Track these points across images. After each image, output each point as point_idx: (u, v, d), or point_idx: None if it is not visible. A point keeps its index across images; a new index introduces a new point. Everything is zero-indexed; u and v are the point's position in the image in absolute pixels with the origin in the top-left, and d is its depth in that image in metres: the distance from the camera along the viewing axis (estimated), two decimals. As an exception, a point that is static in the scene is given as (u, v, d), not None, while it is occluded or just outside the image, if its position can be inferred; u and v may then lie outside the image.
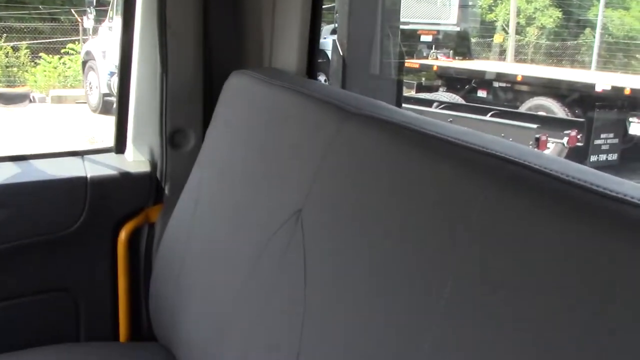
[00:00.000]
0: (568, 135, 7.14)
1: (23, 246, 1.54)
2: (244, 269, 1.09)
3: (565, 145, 7.12)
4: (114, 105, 1.87)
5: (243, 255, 1.12)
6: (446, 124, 0.93)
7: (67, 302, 1.62)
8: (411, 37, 10.18)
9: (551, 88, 8.41)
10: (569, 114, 8.06)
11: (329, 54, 3.67)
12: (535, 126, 7.29)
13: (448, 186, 0.77)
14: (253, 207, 1.16)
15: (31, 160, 1.67)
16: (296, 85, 1.26)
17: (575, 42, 15.30)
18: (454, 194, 0.76)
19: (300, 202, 0.98)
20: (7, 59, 9.62)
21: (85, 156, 1.71)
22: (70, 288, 1.62)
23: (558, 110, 8.15)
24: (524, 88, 8.78)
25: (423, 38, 10.41)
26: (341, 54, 2.68)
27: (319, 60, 1.61)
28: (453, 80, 9.44)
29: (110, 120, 1.77)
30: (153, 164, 1.67)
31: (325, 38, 6.22)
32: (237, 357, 1.05)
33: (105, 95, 8.36)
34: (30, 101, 8.69)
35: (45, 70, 9.61)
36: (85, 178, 1.59)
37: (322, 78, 3.07)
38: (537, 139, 6.94)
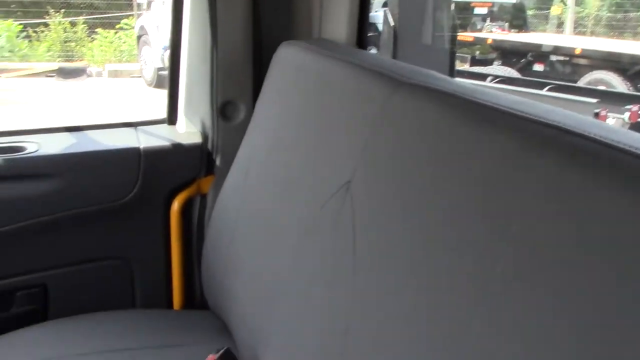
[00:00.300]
0: (629, 110, 6.89)
1: (81, 215, 1.59)
2: (294, 239, 1.10)
3: (627, 120, 6.87)
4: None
5: (293, 226, 1.12)
6: (501, 94, 0.91)
7: (124, 270, 1.67)
8: (465, 9, 9.96)
9: (612, 61, 8.11)
10: (630, 88, 7.77)
11: (380, 26, 3.63)
12: (594, 101, 7.06)
13: (502, 158, 0.75)
14: (303, 178, 1.16)
15: (87, 131, 1.71)
16: (346, 55, 1.25)
17: (639, 13, 14.69)
18: (509, 165, 0.74)
19: (349, 173, 0.98)
20: (65, 34, 9.85)
21: (139, 127, 1.74)
22: (126, 256, 1.66)
23: (619, 84, 7.87)
24: (583, 61, 8.50)
25: (477, 10, 10.16)
26: (392, 24, 2.64)
27: (370, 34, 1.59)
28: (508, 54, 9.20)
29: (164, 94, 1.79)
30: (204, 136, 1.69)
31: (376, 11, 6.14)
32: (286, 326, 1.06)
33: (159, 69, 8.49)
34: (88, 75, 8.89)
35: (101, 45, 9.82)
36: (138, 149, 1.62)
37: (372, 51, 3.03)
38: (597, 114, 6.72)
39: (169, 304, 1.71)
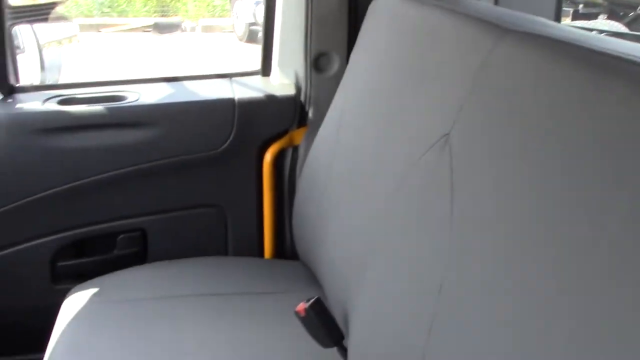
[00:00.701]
0: None
1: (177, 164, 1.63)
2: (387, 192, 1.08)
3: None
4: (259, 34, 1.89)
5: (386, 179, 1.11)
6: (614, 40, 0.84)
7: (218, 218, 1.71)
8: (569, -41, 9.38)
9: None
10: None
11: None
12: None
13: (618, 108, 0.69)
14: (398, 131, 1.13)
15: (184, 82, 1.74)
16: (447, 3, 1.20)
17: None
18: (626, 117, 0.68)
19: (448, 125, 0.94)
20: (161, -10, 10.07)
21: (233, 79, 1.76)
22: (220, 205, 1.70)
23: None
24: (700, 14, 7.86)
25: (582, -40, 9.56)
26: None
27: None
28: (615, 7, 8.64)
29: (255, 49, 1.80)
30: (297, 87, 1.69)
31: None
32: (378, 280, 1.05)
33: (251, 24, 8.56)
34: (182, 30, 9.08)
35: (195, 0, 9.98)
36: (233, 100, 1.63)
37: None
38: None
39: (260, 253, 1.75)
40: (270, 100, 1.67)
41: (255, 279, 1.52)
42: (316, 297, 1.13)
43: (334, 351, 1.13)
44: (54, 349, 1.28)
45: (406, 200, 1.01)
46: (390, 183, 1.07)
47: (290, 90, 1.69)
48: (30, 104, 1.56)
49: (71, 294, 1.48)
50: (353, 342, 1.07)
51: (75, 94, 1.64)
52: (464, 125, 0.91)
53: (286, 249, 1.76)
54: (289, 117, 1.68)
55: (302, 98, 1.69)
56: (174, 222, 1.69)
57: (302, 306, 1.12)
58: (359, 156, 1.27)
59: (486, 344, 0.72)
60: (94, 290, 1.44)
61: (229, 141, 1.64)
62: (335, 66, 1.65)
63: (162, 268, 1.57)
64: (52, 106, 1.57)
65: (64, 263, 1.64)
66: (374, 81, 1.33)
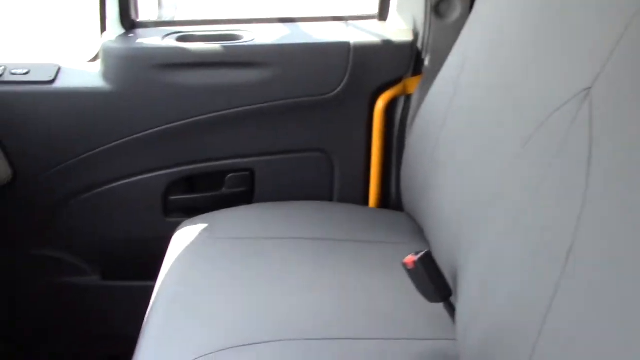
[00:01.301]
0: None
1: (289, 106, 1.62)
2: (512, 149, 1.02)
3: None
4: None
5: (511, 134, 1.04)
6: None
7: (324, 163, 1.70)
8: None
9: None
10: None
11: None
12: None
13: None
14: (528, 83, 1.06)
15: (299, 23, 1.72)
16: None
17: None
18: None
19: (590, 79, 0.86)
20: None
21: (349, 22, 1.72)
22: (327, 150, 1.69)
23: None
24: None
25: None
26: None
27: None
28: None
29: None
30: (415, 33, 1.63)
31: None
32: (494, 239, 1.00)
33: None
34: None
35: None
36: (348, 44, 1.60)
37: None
38: None
39: (364, 201, 1.73)
40: (386, 46, 1.61)
41: (360, 226, 1.51)
42: (426, 250, 1.10)
43: (439, 306, 1.11)
44: (164, 279, 1.33)
45: (534, 156, 0.94)
46: (517, 138, 1.01)
47: (408, 36, 1.62)
48: (150, 39, 1.59)
49: (181, 227, 1.52)
50: (463, 301, 1.04)
51: (193, 32, 1.66)
52: (611, 78, 0.83)
53: (391, 199, 1.73)
54: (404, 64, 1.63)
55: (420, 45, 1.62)
56: (282, 165, 1.69)
57: (410, 258, 1.10)
58: (481, 109, 1.20)
59: (618, 323, 0.67)
60: (203, 225, 1.48)
61: (341, 86, 1.61)
62: (457, 12, 1.57)
63: (269, 209, 1.59)
64: (171, 42, 1.59)
65: (175, 197, 1.70)
66: (501, 29, 1.25)
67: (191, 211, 1.70)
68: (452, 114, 1.33)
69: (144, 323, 1.23)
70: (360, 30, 1.66)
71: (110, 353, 1.85)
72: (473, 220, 1.09)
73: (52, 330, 1.81)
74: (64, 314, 1.79)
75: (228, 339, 1.10)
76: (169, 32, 1.63)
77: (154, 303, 1.26)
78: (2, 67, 1.60)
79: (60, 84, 1.58)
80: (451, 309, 1.10)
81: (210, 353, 1.07)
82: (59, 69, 1.61)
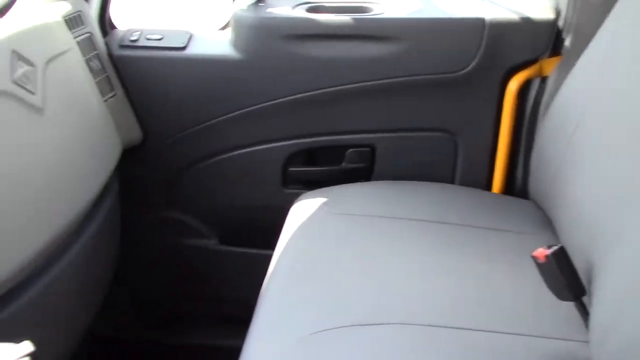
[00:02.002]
0: None
1: (415, 83, 1.57)
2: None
3: None
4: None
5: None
6: None
7: (448, 144, 1.64)
8: None
9: None
10: None
11: None
12: None
13: None
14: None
15: (431, -3, 1.66)
16: None
17: None
18: None
19: None
20: None
21: None
22: (452, 130, 1.63)
23: None
24: None
25: None
26: None
27: None
28: None
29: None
30: (557, 11, 1.52)
31: None
32: (639, 237, 0.92)
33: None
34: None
35: None
36: (483, 20, 1.52)
37: None
38: None
39: (488, 186, 1.66)
40: (524, 24, 1.52)
41: (483, 212, 1.45)
42: (560, 245, 1.03)
43: (567, 305, 1.04)
44: (283, 250, 1.33)
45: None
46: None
47: (549, 14, 1.52)
48: (280, 9, 1.59)
49: (300, 199, 1.52)
50: (601, 302, 0.96)
51: (323, 3, 1.63)
52: None
53: (516, 186, 1.65)
54: (542, 44, 1.53)
55: (561, 24, 1.52)
56: (404, 143, 1.65)
57: (542, 252, 1.03)
58: (633, 96, 1.10)
59: None
60: (322, 199, 1.47)
61: (472, 64, 1.54)
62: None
63: (388, 187, 1.56)
64: (301, 13, 1.58)
65: (294, 169, 1.70)
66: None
67: (309, 184, 1.70)
68: (595, 101, 1.23)
69: (261, 292, 1.24)
70: (497, 6, 1.58)
71: (223, 314, 1.91)
72: (616, 217, 1.01)
73: (171, 289, 1.89)
74: (183, 275, 1.86)
75: (345, 317, 1.09)
76: (299, 2, 1.62)
77: (272, 273, 1.27)
78: (138, 32, 1.66)
79: (191, 50, 1.61)
80: (583, 310, 1.02)
81: (326, 329, 1.07)
82: (191, 36, 1.65)
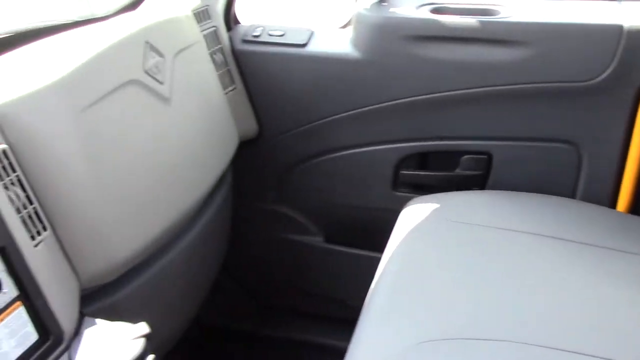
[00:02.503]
0: None
1: (540, 90, 1.50)
2: None
3: None
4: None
5: None
6: None
7: (571, 157, 1.56)
8: None
9: None
10: None
11: None
12: None
13: None
14: None
15: (564, 0, 1.57)
16: None
17: None
18: None
19: None
20: None
21: (622, 1, 1.53)
22: (576, 141, 1.54)
23: None
24: None
25: None
26: None
27: None
28: None
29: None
30: None
31: None
32: None
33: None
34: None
35: None
36: (620, 27, 1.42)
37: None
38: None
39: (612, 204, 1.56)
40: None
41: (608, 232, 1.36)
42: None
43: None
44: (392, 254, 1.31)
45: None
46: None
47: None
48: (403, 9, 1.56)
49: (410, 204, 1.49)
50: None
51: (447, 4, 1.59)
52: None
53: (644, 207, 1.54)
54: None
55: None
56: (523, 152, 1.58)
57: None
58: None
59: None
60: (434, 205, 1.44)
61: (605, 74, 1.44)
62: None
63: (504, 198, 1.50)
64: (425, 14, 1.54)
65: (406, 172, 1.67)
66: None
67: (420, 188, 1.67)
68: None
69: (368, 296, 1.22)
70: (636, 11, 1.48)
71: (321, 311, 1.91)
72: None
73: (274, 282, 1.91)
74: (286, 269, 1.87)
75: (454, 329, 1.05)
76: (423, 3, 1.59)
77: (380, 277, 1.25)
78: (261, 28, 1.68)
79: (311, 48, 1.62)
80: None
81: (433, 340, 1.04)
82: (312, 34, 1.66)
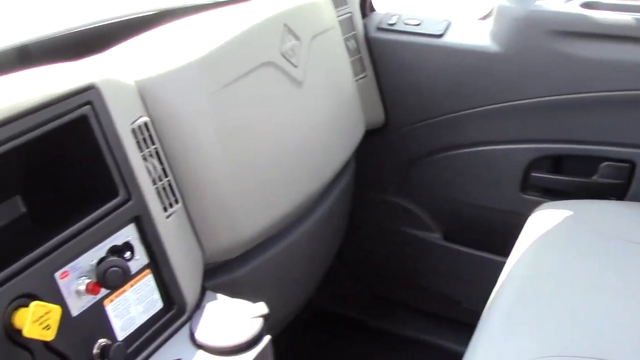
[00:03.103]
0: None
1: None
2: None
3: None
4: None
5: None
6: None
7: None
8: None
9: None
10: None
11: None
12: None
13: None
14: None
15: None
16: None
17: None
18: None
19: None
20: None
21: None
22: None
23: None
24: None
25: None
26: None
27: None
28: None
29: None
30: None
31: None
32: None
33: None
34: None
35: None
36: None
37: None
38: None
39: None
40: None
41: None
42: None
43: None
44: (518, 260, 1.25)
45: None
46: None
47: None
48: (550, 2, 1.47)
49: (541, 208, 1.42)
50: None
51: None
52: None
53: None
54: None
55: None
56: None
57: None
58: None
59: None
60: (567, 212, 1.35)
61: None
62: None
63: (643, 210, 1.39)
64: (574, 8, 1.44)
65: (537, 174, 1.58)
66: None
67: (550, 193, 1.58)
68: None
69: (489, 302, 1.17)
70: None
71: (433, 311, 1.87)
72: None
73: (387, 274, 1.89)
74: (400, 262, 1.84)
75: (578, 347, 0.98)
76: (573, -3, 1.49)
77: (503, 283, 1.20)
78: (396, 17, 1.65)
79: (448, 39, 1.57)
80: None
81: (553, 356, 0.97)
82: (449, 24, 1.60)
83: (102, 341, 0.87)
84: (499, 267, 1.28)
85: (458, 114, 1.59)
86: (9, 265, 0.77)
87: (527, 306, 1.11)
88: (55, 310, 0.77)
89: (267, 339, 0.96)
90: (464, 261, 1.73)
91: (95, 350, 0.86)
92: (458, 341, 1.52)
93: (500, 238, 1.49)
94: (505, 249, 1.35)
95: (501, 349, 1.02)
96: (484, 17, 1.64)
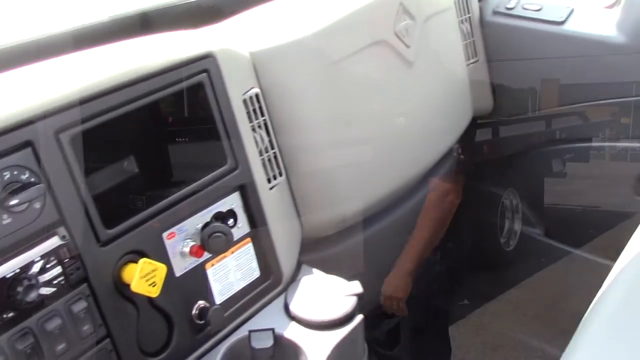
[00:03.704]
0: None
1: None
2: None
3: None
4: None
5: None
6: None
7: None
8: None
9: None
10: None
11: None
12: None
13: None
14: None
15: None
16: None
17: None
18: None
19: None
20: None
21: None
22: None
23: None
24: None
25: None
26: None
27: None
28: None
29: None
30: None
31: None
32: None
33: None
34: None
35: None
36: None
37: None
38: None
39: None
40: None
41: None
42: None
43: None
44: (626, 264, 1.18)
45: None
46: None
47: None
48: None
49: None
50: None
51: None
52: None
53: None
54: None
55: None
56: None
57: None
58: None
59: None
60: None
61: None
62: None
63: None
64: None
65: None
66: None
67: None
68: None
69: (592, 305, 1.11)
70: None
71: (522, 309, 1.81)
72: None
73: (479, 266, 1.84)
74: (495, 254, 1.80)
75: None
76: None
77: (608, 286, 1.13)
78: (516, 1, 1.58)
79: (569, 26, 1.49)
80: None
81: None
82: (572, 11, 1.52)
83: (200, 303, 0.89)
84: (604, 269, 1.21)
85: (573, 106, 1.51)
86: (122, 222, 0.80)
87: (635, 313, 1.05)
88: (162, 269, 0.80)
89: (359, 317, 0.95)
90: (566, 260, 1.66)
91: (194, 311, 0.89)
92: (551, 343, 1.45)
93: (608, 240, 1.42)
94: (613, 252, 1.28)
95: (602, 356, 0.97)
96: (611, 6, 1.54)
